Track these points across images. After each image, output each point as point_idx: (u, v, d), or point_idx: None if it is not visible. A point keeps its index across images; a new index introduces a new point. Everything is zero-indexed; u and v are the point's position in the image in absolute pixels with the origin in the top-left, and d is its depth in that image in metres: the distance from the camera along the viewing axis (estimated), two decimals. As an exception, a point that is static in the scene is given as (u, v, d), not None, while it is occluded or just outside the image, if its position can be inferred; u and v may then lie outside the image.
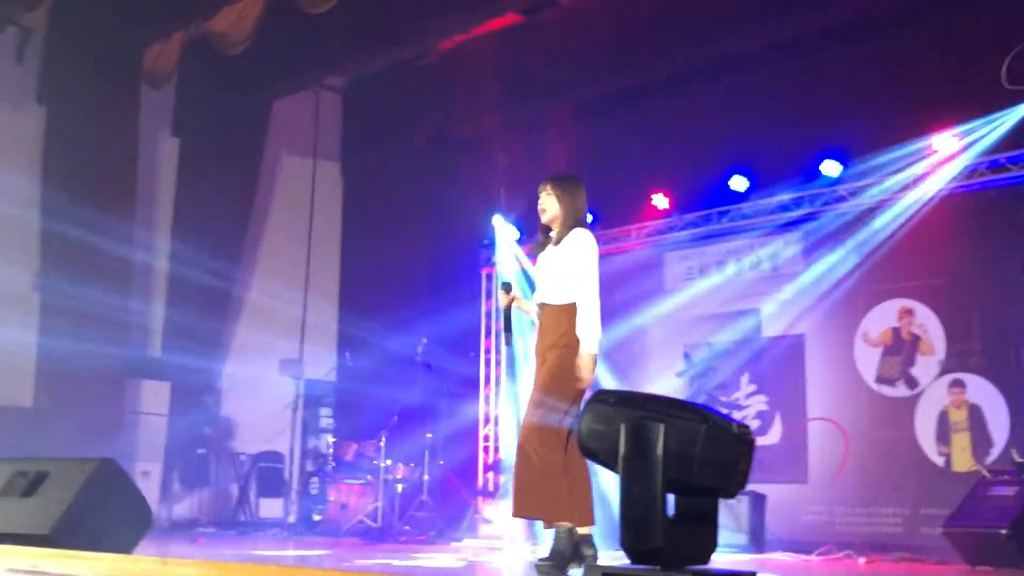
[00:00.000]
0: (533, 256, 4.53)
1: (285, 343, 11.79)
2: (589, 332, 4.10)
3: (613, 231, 9.99)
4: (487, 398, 10.70)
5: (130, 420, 10.57)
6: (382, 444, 9.36)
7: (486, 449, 10.62)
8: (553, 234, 4.36)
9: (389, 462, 9.36)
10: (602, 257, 9.08)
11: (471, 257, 10.87)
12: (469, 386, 10.49)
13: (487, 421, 10.71)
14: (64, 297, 9.61)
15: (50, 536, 3.88)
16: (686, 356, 9.52)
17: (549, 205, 4.31)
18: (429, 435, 9.59)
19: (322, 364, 11.87)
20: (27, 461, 4.48)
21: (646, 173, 9.89)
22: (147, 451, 10.57)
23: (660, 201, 9.69)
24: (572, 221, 4.29)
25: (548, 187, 4.33)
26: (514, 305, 4.42)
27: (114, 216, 9.94)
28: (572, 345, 4.11)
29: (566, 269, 4.22)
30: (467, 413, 10.46)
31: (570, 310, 4.16)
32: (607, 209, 10.04)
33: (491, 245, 10.54)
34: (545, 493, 3.99)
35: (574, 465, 3.96)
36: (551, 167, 10.56)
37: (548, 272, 4.30)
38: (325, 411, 11.98)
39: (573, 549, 4.06)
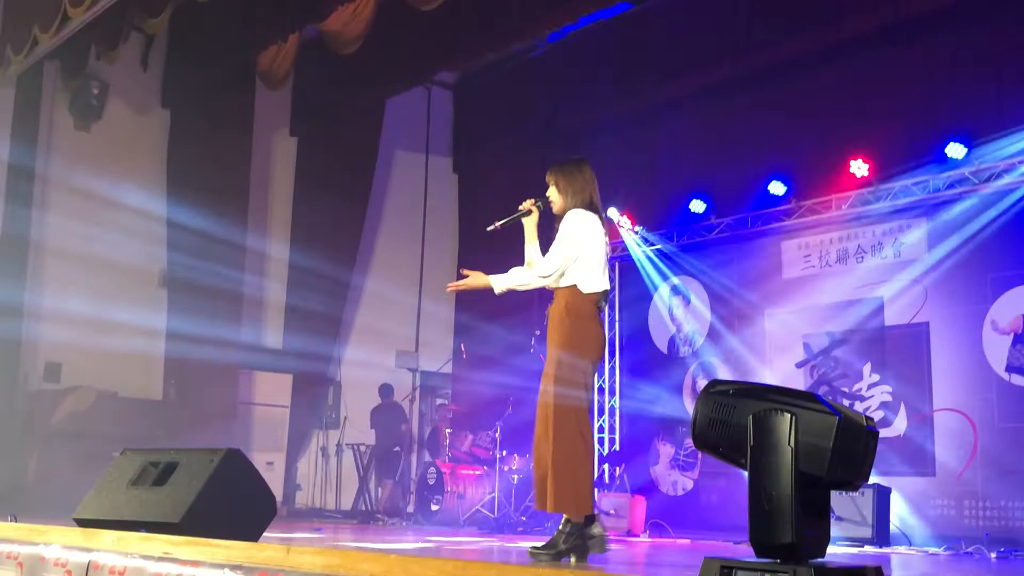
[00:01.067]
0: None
1: (401, 336, 11.79)
2: (514, 278, 4.04)
3: (728, 219, 9.79)
4: (601, 388, 10.48)
5: (253, 411, 10.71)
6: (497, 435, 9.23)
7: (601, 440, 10.40)
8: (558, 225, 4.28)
9: (504, 453, 9.20)
10: (716, 244, 9.45)
11: None
12: None
13: (602, 412, 10.51)
14: (189, 293, 9.81)
15: (180, 524, 3.93)
16: (805, 346, 9.27)
17: (553, 195, 4.23)
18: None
19: (438, 356, 11.76)
20: (158, 452, 4.54)
21: (762, 160, 9.64)
22: (270, 441, 10.64)
23: (777, 188, 9.40)
24: (571, 204, 4.17)
25: (549, 177, 4.24)
26: (527, 220, 4.27)
27: (234, 211, 10.12)
28: (571, 331, 4.02)
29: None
30: None
31: (567, 293, 4.08)
32: (722, 198, 9.96)
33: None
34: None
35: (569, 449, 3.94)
36: (663, 156, 10.45)
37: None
38: (441, 402, 11.80)
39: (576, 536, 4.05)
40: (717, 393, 2.49)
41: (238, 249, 10.20)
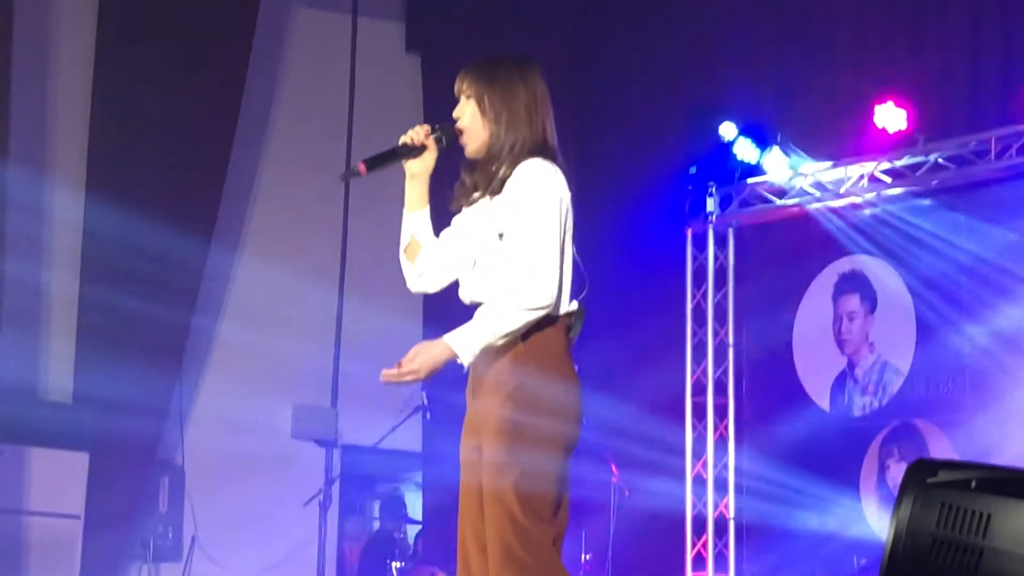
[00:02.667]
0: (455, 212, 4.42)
1: (304, 375, 10.83)
2: (491, 325, 3.93)
3: (952, 143, 8.82)
4: (698, 482, 9.55)
5: (26, 528, 9.86)
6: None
7: (700, 587, 9.64)
8: (480, 177, 4.18)
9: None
10: (928, 192, 9.24)
11: (662, 203, 10.05)
12: (667, 462, 9.31)
13: (699, 527, 9.48)
14: None
15: None
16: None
17: (470, 121, 4.14)
18: (586, 556, 9.24)
19: (379, 416, 10.36)
20: None
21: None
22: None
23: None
24: (508, 143, 4.10)
25: (465, 83, 4.19)
26: (413, 164, 4.19)
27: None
28: (537, 388, 4.01)
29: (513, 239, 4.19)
30: (662, 509, 9.40)
31: None
32: (939, 105, 9.11)
33: (703, 177, 9.69)
34: None
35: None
36: (817, 21, 9.76)
37: (480, 246, 4.18)
38: (385, 508, 11.13)
39: None
40: (942, 487, 2.56)
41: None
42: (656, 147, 10.26)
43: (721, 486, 9.49)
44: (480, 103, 4.14)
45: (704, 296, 9.58)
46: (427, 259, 4.26)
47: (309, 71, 11.43)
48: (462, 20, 11.19)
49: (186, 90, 10.15)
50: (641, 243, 10.28)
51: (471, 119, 4.14)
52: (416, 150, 4.18)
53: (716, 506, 9.48)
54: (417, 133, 4.19)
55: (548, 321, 4.06)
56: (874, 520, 8.58)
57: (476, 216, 4.18)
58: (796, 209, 9.53)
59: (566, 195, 4.08)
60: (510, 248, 4.05)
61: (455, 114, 4.18)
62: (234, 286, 10.79)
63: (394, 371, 4.00)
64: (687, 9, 10.35)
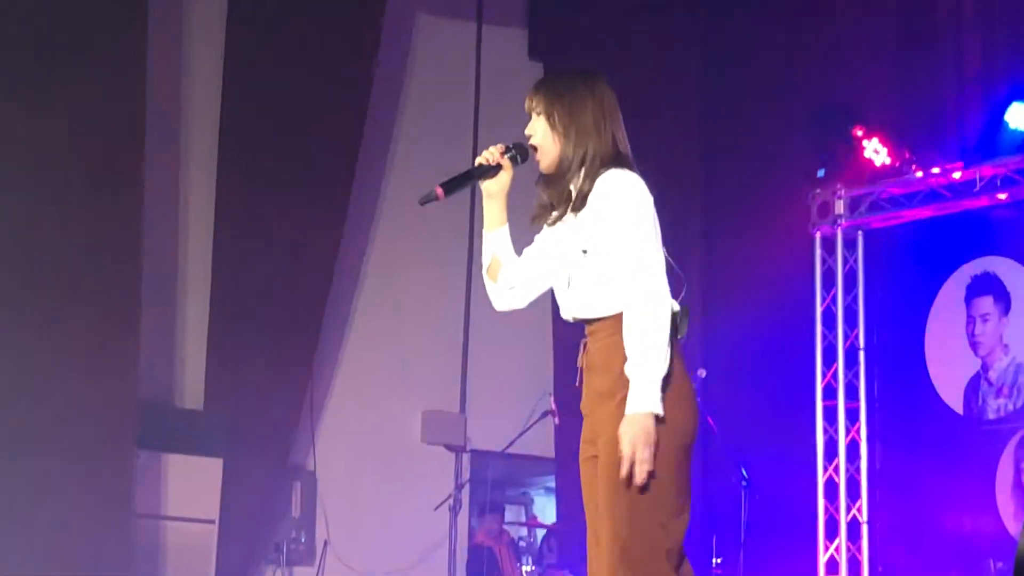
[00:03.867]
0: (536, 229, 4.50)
1: (434, 382, 11.01)
2: (653, 349, 3.95)
3: None
4: (830, 486, 9.40)
5: (164, 532, 9.86)
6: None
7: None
8: (556, 192, 4.24)
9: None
10: None
11: (791, 206, 10.02)
12: (798, 466, 9.47)
13: (832, 531, 9.39)
14: (27, 302, 8.90)
15: None
16: None
17: (542, 137, 4.18)
18: (717, 560, 9.18)
19: (510, 422, 10.53)
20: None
21: None
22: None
23: None
24: (591, 160, 4.15)
25: (534, 100, 4.23)
26: (490, 185, 4.26)
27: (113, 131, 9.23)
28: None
29: (607, 250, 4.15)
30: (794, 512, 9.52)
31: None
32: None
33: (832, 180, 9.67)
34: None
35: None
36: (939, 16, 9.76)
37: (577, 261, 4.18)
38: (514, 512, 11.56)
39: None
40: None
41: (101, 239, 9.15)
42: (784, 150, 10.36)
43: (853, 489, 9.51)
44: (549, 118, 4.24)
45: (833, 300, 9.59)
46: (512, 276, 4.38)
47: (434, 78, 11.61)
48: (584, 26, 11.30)
49: (313, 98, 10.31)
50: (769, 246, 10.36)
51: (543, 136, 4.23)
52: (492, 170, 4.30)
53: (848, 510, 9.50)
54: (492, 153, 4.30)
55: None
56: (1010, 523, 8.47)
57: (562, 233, 4.27)
58: (927, 211, 9.54)
59: (651, 199, 4.15)
60: (602, 263, 4.11)
61: (527, 132, 4.26)
62: (363, 293, 10.94)
63: (630, 471, 3.97)
64: (814, 11, 10.35)
